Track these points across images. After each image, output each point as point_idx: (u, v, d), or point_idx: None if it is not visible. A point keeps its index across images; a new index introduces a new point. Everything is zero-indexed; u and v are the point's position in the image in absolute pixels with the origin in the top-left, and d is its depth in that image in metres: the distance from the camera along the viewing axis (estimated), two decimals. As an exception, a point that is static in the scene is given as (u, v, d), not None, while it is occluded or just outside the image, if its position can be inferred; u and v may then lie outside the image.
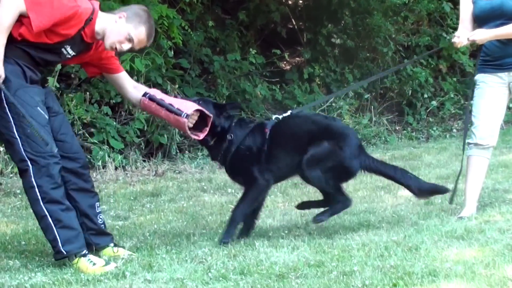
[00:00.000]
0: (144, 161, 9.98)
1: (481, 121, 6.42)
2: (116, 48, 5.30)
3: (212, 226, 6.26)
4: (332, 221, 6.38)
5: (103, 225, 5.66)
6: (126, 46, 5.31)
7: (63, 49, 5.24)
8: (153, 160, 10.05)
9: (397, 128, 13.50)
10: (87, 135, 9.72)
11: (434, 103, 13.98)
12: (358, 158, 5.93)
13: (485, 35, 6.19)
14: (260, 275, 4.79)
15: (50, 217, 5.10)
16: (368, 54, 14.27)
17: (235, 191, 7.79)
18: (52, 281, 4.83)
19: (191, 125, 5.62)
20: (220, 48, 12.70)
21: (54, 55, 5.29)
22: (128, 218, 7.14)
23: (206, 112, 5.67)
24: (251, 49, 12.46)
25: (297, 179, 8.26)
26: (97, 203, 5.62)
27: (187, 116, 5.50)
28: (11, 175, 8.71)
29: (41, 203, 5.10)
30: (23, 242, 6.08)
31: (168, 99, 5.70)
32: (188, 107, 5.59)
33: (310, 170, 5.83)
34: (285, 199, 7.64)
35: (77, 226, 5.27)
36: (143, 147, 10.30)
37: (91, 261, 5.15)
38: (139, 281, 4.76)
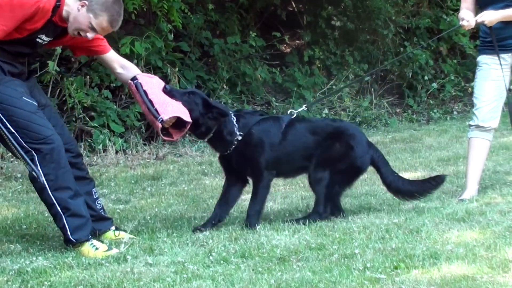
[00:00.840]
0: (144, 144, 9.98)
1: (483, 102, 6.40)
2: (80, 35, 5.19)
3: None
4: (332, 203, 6.40)
5: (102, 210, 5.66)
6: (90, 34, 5.18)
7: (37, 39, 5.19)
8: (153, 144, 10.04)
9: (398, 110, 13.50)
10: (87, 118, 9.71)
11: (434, 85, 13.94)
12: (368, 153, 5.98)
13: (493, 16, 6.16)
14: (261, 258, 4.80)
15: (58, 205, 5.09)
16: (368, 37, 14.23)
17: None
18: (54, 265, 4.83)
19: (166, 126, 5.53)
20: (220, 31, 12.67)
21: (29, 47, 5.24)
22: (129, 202, 7.14)
23: (184, 119, 5.47)
24: (251, 32, 12.43)
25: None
26: (94, 189, 5.63)
27: (162, 121, 5.37)
28: (11, 159, 8.71)
29: (49, 192, 5.08)
30: (24, 226, 6.10)
31: (152, 93, 5.49)
32: (167, 111, 5.42)
33: (317, 171, 5.86)
34: (286, 182, 7.63)
35: (85, 212, 5.26)
36: (144, 131, 10.29)
37: (94, 246, 5.16)
38: (140, 265, 4.76)
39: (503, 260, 4.52)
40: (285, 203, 6.72)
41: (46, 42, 5.30)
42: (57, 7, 5.09)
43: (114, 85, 10.16)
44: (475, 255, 4.64)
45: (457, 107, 13.90)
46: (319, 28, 13.59)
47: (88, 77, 9.92)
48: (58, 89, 9.80)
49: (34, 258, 5.04)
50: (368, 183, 7.28)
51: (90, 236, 5.24)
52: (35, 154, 5.03)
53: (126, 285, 4.39)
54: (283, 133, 5.84)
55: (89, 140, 9.47)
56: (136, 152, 9.70)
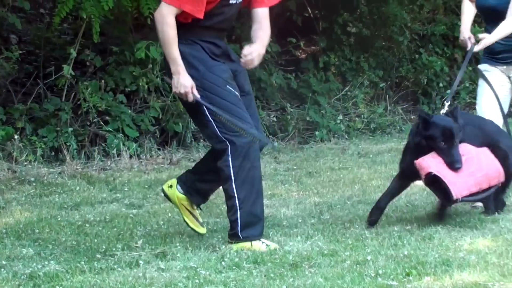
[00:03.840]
0: (159, 149, 9.99)
1: (484, 109, 6.42)
2: None
3: (226, 215, 6.26)
4: (345, 210, 6.40)
5: None
6: None
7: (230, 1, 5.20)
8: (168, 149, 10.05)
9: (412, 117, 13.46)
10: (101, 123, 9.73)
11: (449, 92, 13.88)
12: None
13: (490, 40, 6.26)
14: (274, 264, 4.80)
15: (238, 199, 5.15)
16: (383, 43, 14.19)
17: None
18: (66, 269, 4.84)
19: None
20: (236, 36, 12.67)
21: (223, 15, 5.23)
22: (142, 207, 7.16)
23: None
24: (266, 38, 12.40)
25: (311, 167, 8.37)
26: None
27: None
28: (25, 163, 8.74)
29: (233, 184, 5.14)
30: (37, 230, 6.13)
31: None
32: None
33: None
34: (299, 188, 7.65)
35: (261, 214, 5.30)
36: (158, 135, 10.30)
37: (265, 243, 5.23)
38: (152, 270, 4.77)
39: (516, 267, 4.52)
40: (298, 209, 6.72)
41: (239, 1, 5.26)
42: None
43: (128, 89, 10.17)
44: (487, 263, 4.64)
45: (471, 114, 13.87)
46: (334, 34, 13.56)
47: (103, 81, 9.95)
48: (73, 93, 9.82)
49: (46, 262, 5.06)
50: (382, 189, 7.26)
51: (260, 236, 5.28)
52: (228, 145, 5.08)
53: (138, 290, 4.41)
54: None
55: (103, 145, 9.48)
56: (150, 156, 9.71)
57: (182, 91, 5.05)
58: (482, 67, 6.54)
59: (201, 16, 5.01)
